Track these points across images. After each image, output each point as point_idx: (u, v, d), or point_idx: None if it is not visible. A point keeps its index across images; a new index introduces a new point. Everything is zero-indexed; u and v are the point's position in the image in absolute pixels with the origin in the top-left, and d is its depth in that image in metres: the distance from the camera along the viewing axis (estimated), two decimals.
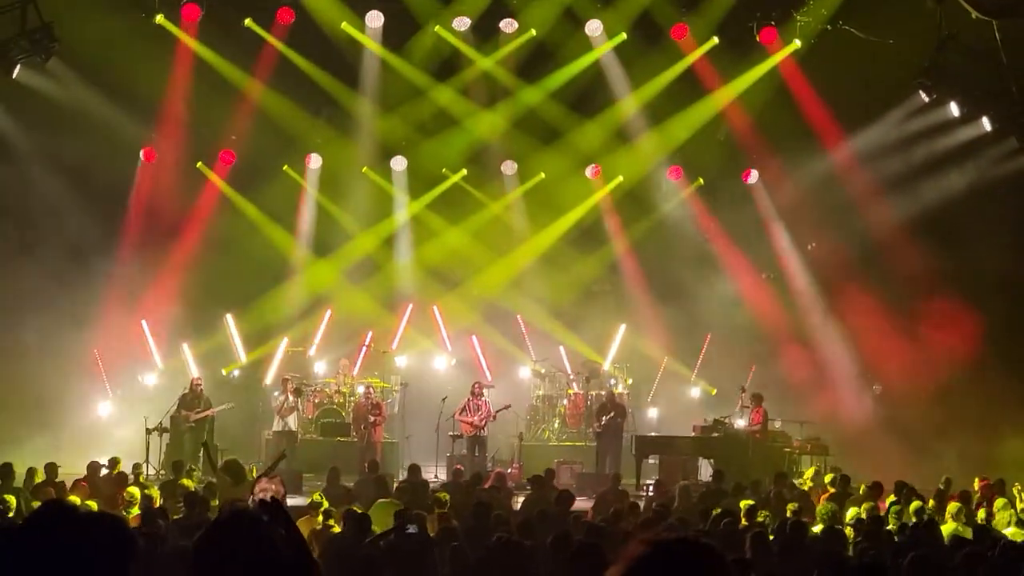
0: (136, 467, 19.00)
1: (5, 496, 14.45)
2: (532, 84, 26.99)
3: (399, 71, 26.56)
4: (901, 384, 25.60)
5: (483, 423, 23.50)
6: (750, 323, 27.32)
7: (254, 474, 16.35)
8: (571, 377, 27.00)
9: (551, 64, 26.79)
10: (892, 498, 16.72)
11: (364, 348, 26.74)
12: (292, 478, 20.54)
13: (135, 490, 15.61)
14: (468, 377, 25.58)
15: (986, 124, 23.40)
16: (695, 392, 27.44)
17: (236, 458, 17.56)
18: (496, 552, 10.24)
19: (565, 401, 26.60)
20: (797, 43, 25.32)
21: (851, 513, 15.25)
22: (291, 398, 23.32)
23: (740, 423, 24.04)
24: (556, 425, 26.43)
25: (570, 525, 12.81)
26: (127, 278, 25.99)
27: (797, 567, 10.61)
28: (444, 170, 28.10)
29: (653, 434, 25.03)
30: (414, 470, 18.69)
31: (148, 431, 22.74)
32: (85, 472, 17.83)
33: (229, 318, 26.42)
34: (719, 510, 14.30)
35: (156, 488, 16.91)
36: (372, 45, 26.11)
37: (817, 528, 13.90)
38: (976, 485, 18.36)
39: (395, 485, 18.25)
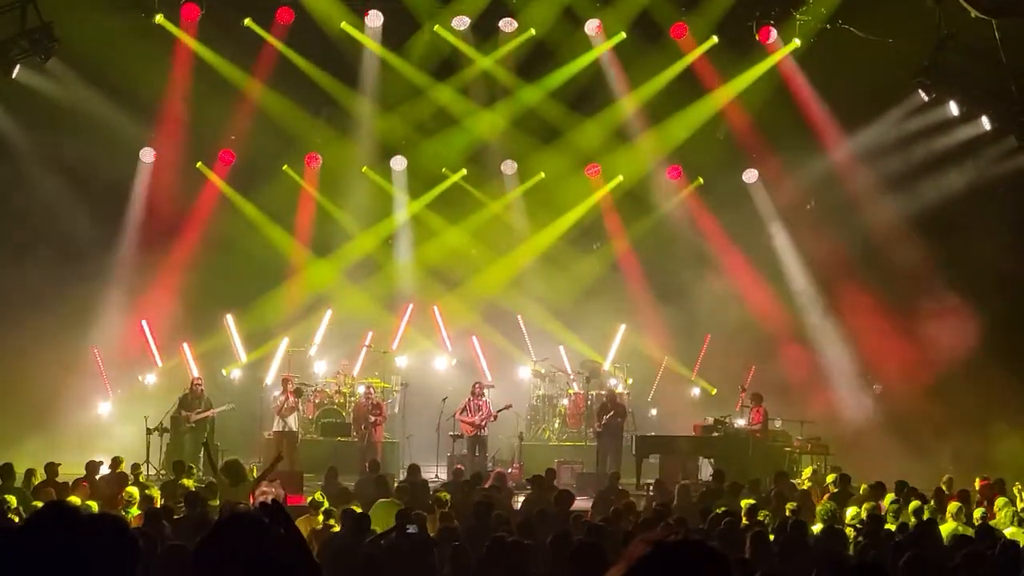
0: (135, 467, 19.03)
1: (5, 496, 14.45)
2: (532, 83, 27.00)
3: (399, 71, 26.57)
4: (901, 383, 25.62)
5: (483, 423, 23.50)
6: (750, 322, 27.29)
7: (254, 474, 16.36)
8: (571, 377, 26.98)
9: (550, 63, 26.80)
10: (892, 497, 16.72)
11: (364, 348, 26.74)
12: (293, 478, 20.57)
13: (134, 490, 15.61)
14: (468, 377, 25.57)
15: (985, 123, 23.42)
16: (695, 392, 27.44)
17: (236, 458, 17.55)
18: (496, 552, 10.24)
19: (565, 401, 26.58)
20: (797, 42, 25.34)
21: (851, 512, 15.25)
22: (291, 398, 23.31)
23: (740, 423, 24.04)
24: (556, 425, 26.42)
25: (570, 525, 12.82)
26: (127, 278, 26.03)
27: (797, 567, 10.60)
28: (444, 170, 28.09)
29: (653, 434, 25.00)
30: (414, 470, 18.70)
31: (148, 431, 22.75)
32: (84, 472, 17.87)
33: (229, 318, 26.40)
34: (721, 509, 14.29)
35: (156, 488, 16.90)
36: (372, 45, 26.12)
37: (817, 528, 13.90)
38: (977, 484, 18.38)
39: (395, 485, 18.25)
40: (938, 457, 22.91)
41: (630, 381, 26.72)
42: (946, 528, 14.34)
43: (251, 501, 14.40)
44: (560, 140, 27.73)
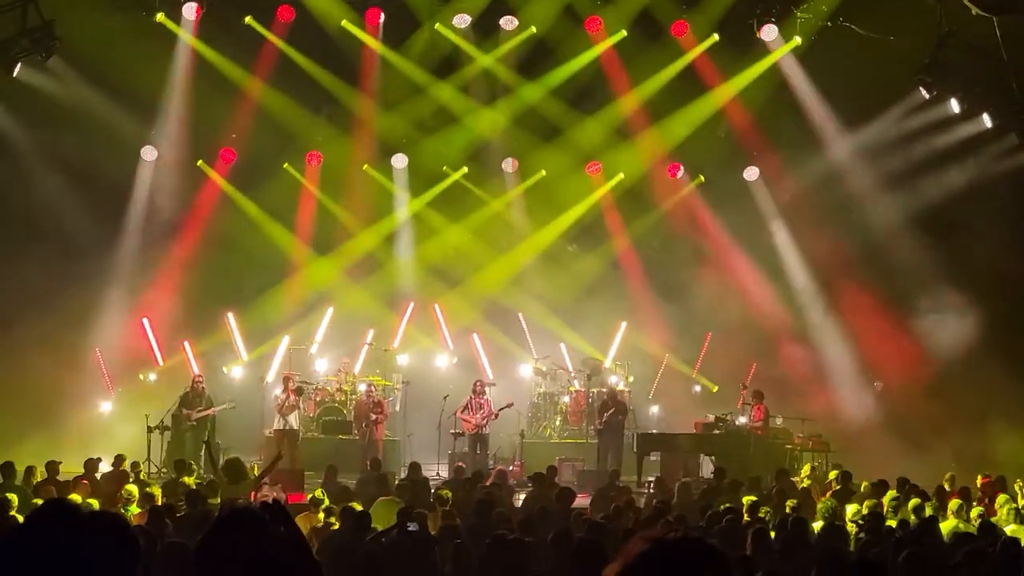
0: (135, 465, 19.05)
1: (7, 495, 14.46)
2: (532, 81, 27.00)
3: (399, 69, 26.58)
4: (902, 381, 25.61)
5: (485, 421, 23.50)
6: (751, 320, 27.29)
7: (255, 472, 16.37)
8: (572, 375, 26.98)
9: (551, 61, 26.80)
10: (893, 494, 16.71)
11: (365, 346, 26.75)
12: (294, 476, 20.58)
13: (133, 488, 15.61)
14: (469, 375, 25.54)
15: (986, 120, 23.42)
16: (696, 389, 27.43)
17: (237, 456, 17.56)
18: (496, 549, 10.24)
19: (566, 398, 26.59)
20: (797, 40, 25.32)
21: (852, 510, 15.25)
22: (292, 396, 23.31)
23: (742, 420, 24.05)
24: (557, 422, 26.43)
25: (571, 522, 12.82)
26: (128, 276, 26.04)
27: (798, 564, 10.60)
28: (445, 168, 28.08)
29: (654, 431, 25.03)
30: (415, 468, 18.70)
31: (149, 429, 22.77)
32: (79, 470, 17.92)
33: (230, 316, 26.41)
34: (723, 507, 14.29)
35: (157, 486, 16.91)
36: (372, 43, 26.11)
37: (817, 525, 13.90)
38: (978, 482, 18.39)
39: (396, 483, 18.25)
40: (939, 455, 22.89)
41: (631, 379, 26.71)
42: (947, 525, 14.34)
43: (252, 499, 14.41)
44: (561, 138, 27.73)
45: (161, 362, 25.82)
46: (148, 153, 26.28)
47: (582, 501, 17.17)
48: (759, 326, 27.25)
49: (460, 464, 20.68)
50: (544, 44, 26.53)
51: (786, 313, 27.49)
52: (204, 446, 20.54)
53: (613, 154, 27.96)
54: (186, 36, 25.05)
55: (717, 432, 23.58)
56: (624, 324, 27.45)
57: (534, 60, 26.86)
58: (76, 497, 14.54)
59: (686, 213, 28.29)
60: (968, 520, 14.60)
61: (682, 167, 28.17)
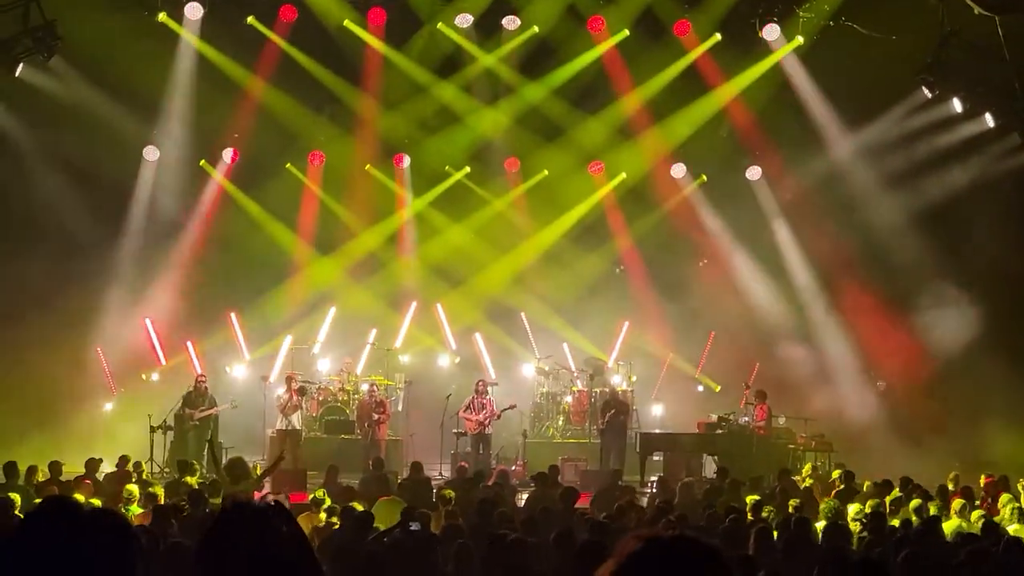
0: (137, 465, 19.06)
1: (9, 494, 14.47)
2: (535, 81, 26.99)
3: (401, 68, 26.58)
4: (905, 380, 25.60)
5: (487, 421, 23.50)
6: (753, 319, 27.30)
7: (258, 471, 16.37)
8: (575, 374, 26.98)
9: (553, 61, 26.80)
10: (896, 493, 16.70)
11: (368, 346, 26.75)
12: (296, 476, 20.59)
13: (134, 487, 15.63)
14: (472, 375, 25.52)
15: (989, 120, 23.40)
16: (699, 389, 27.41)
17: (240, 456, 17.56)
18: (496, 549, 10.24)
19: (569, 398, 26.59)
20: (800, 39, 25.31)
21: (854, 509, 15.23)
22: (295, 396, 23.31)
23: (744, 420, 24.03)
24: (560, 422, 26.42)
25: (574, 523, 12.81)
26: (130, 276, 26.05)
27: (801, 563, 10.59)
28: (447, 167, 28.08)
29: (657, 431, 25.02)
30: (416, 467, 18.69)
31: (152, 429, 22.78)
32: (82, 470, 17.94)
33: (233, 316, 26.41)
34: (724, 507, 14.28)
35: (160, 486, 16.92)
36: (374, 42, 26.11)
37: (819, 524, 13.88)
38: (982, 482, 18.38)
39: (397, 483, 18.25)
40: (942, 454, 22.85)
41: (633, 378, 26.69)
42: (951, 525, 14.33)
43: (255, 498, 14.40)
44: (563, 138, 27.73)
45: (164, 362, 25.84)
46: (150, 153, 26.27)
47: (585, 501, 17.15)
48: (761, 325, 27.25)
49: (463, 464, 20.67)
50: (546, 44, 26.53)
51: (788, 312, 27.48)
52: (207, 445, 20.53)
53: (615, 154, 27.95)
54: (188, 36, 25.06)
55: (720, 432, 23.57)
56: (627, 323, 27.44)
57: (536, 60, 26.86)
58: (80, 497, 14.54)
59: (688, 212, 28.25)
60: (969, 521, 14.58)
61: (684, 166, 28.14)
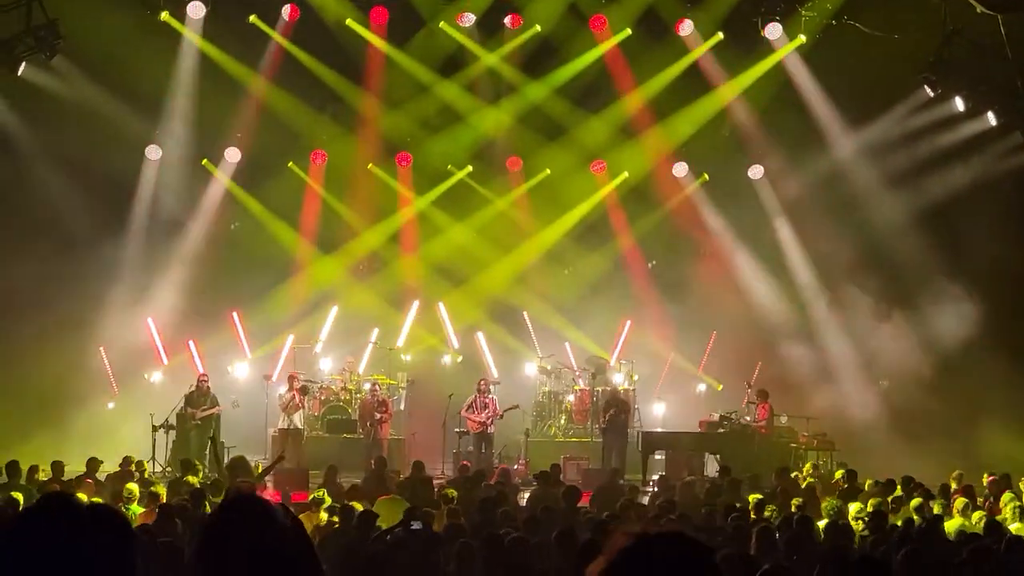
0: (139, 464, 19.07)
1: (12, 493, 14.48)
2: (537, 80, 26.99)
3: (404, 67, 26.58)
4: (907, 379, 25.58)
5: (489, 420, 23.51)
6: (755, 318, 27.28)
7: (259, 470, 16.39)
8: (577, 373, 26.96)
9: (555, 60, 26.80)
10: (898, 492, 16.70)
11: (370, 345, 26.76)
12: (298, 475, 20.59)
13: (134, 486, 15.64)
14: (474, 374, 25.49)
15: (991, 119, 23.39)
16: (701, 388, 27.40)
17: (242, 455, 17.58)
18: (494, 549, 10.24)
19: (571, 397, 26.58)
20: (802, 38, 25.31)
21: (855, 508, 15.23)
22: (297, 396, 23.32)
23: (746, 419, 24.03)
24: (562, 421, 26.42)
25: (576, 522, 12.80)
26: (133, 275, 26.04)
27: (803, 562, 10.59)
28: (449, 166, 28.07)
29: (659, 430, 25.00)
30: (418, 467, 18.70)
31: (154, 428, 22.78)
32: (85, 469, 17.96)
33: (235, 315, 26.40)
34: (725, 505, 14.28)
35: (162, 485, 16.92)
36: (377, 41, 26.12)
37: (821, 523, 13.87)
38: (984, 480, 18.38)
39: (397, 482, 18.25)
40: (944, 453, 22.83)
41: (636, 377, 26.67)
42: (954, 524, 14.33)
43: None
44: (565, 137, 27.71)
45: (166, 361, 25.85)
46: (152, 152, 26.27)
47: (587, 500, 17.15)
48: (763, 324, 27.23)
49: (465, 463, 20.68)
50: (548, 43, 26.54)
51: (790, 311, 27.46)
52: (209, 444, 20.54)
53: (617, 152, 27.94)
54: (190, 35, 25.07)
55: (721, 431, 23.56)
56: (629, 322, 27.43)
57: (538, 59, 26.87)
58: (82, 496, 14.54)
59: (691, 211, 28.23)
60: (971, 521, 14.58)
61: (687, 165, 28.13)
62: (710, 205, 28.07)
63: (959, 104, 23.36)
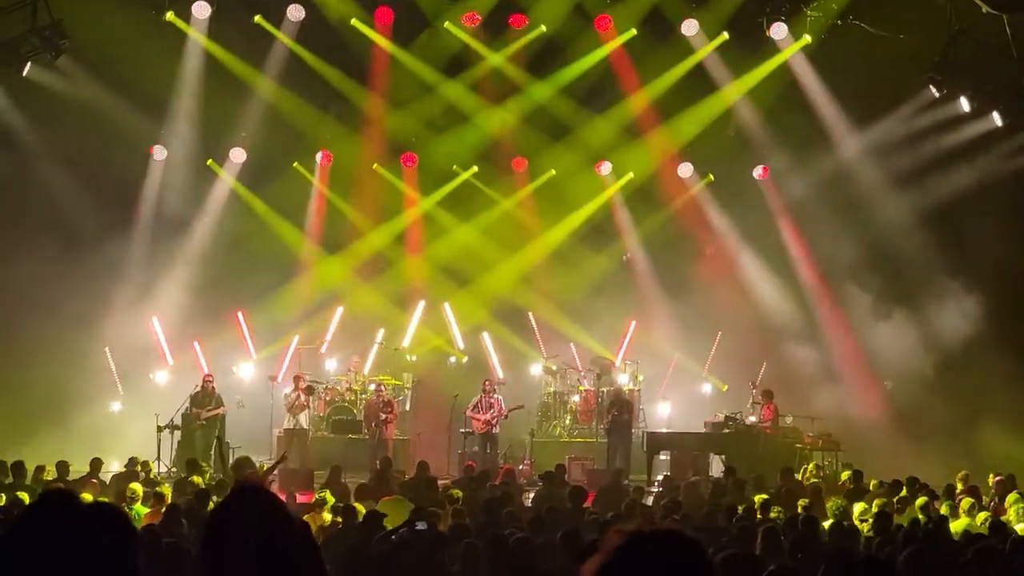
0: (144, 464, 19.08)
1: (18, 493, 14.50)
2: (542, 80, 26.98)
3: (409, 67, 26.59)
4: (911, 379, 25.55)
5: (494, 420, 23.52)
6: (760, 318, 27.26)
7: (263, 469, 16.40)
8: (582, 373, 26.95)
9: (561, 60, 26.80)
10: (903, 493, 16.69)
11: (375, 345, 26.76)
12: (303, 475, 20.60)
13: (137, 486, 15.65)
14: (479, 374, 25.52)
15: (996, 119, 23.37)
16: (706, 388, 27.38)
17: (247, 455, 17.60)
18: (498, 549, 10.24)
19: (576, 397, 26.58)
20: (807, 38, 25.29)
21: (859, 508, 15.22)
22: (303, 396, 23.32)
23: (751, 419, 24.00)
24: (567, 421, 26.41)
25: (581, 522, 12.80)
26: (138, 275, 26.06)
27: (808, 562, 10.58)
28: (455, 167, 28.07)
29: (664, 430, 24.99)
30: (423, 467, 18.70)
31: (159, 428, 22.77)
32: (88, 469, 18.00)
33: (240, 315, 26.41)
34: (727, 505, 14.27)
35: (167, 486, 16.94)
36: (382, 41, 26.13)
37: (826, 524, 13.86)
38: (991, 481, 18.36)
39: (400, 482, 18.25)
40: (947, 453, 22.83)
41: (641, 378, 26.65)
42: (959, 524, 14.32)
43: None
44: (570, 137, 27.70)
45: (171, 361, 25.84)
46: (158, 152, 26.30)
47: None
48: (768, 324, 27.21)
49: (470, 463, 20.69)
50: (554, 43, 26.53)
51: (795, 311, 27.43)
52: (215, 444, 20.55)
53: (623, 153, 27.93)
54: (196, 35, 25.09)
55: (727, 431, 23.53)
56: (634, 323, 27.42)
57: (544, 59, 26.86)
58: (87, 496, 14.56)
59: (696, 211, 28.21)
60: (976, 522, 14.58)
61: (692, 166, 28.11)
62: (715, 205, 28.05)
63: (964, 104, 23.34)
